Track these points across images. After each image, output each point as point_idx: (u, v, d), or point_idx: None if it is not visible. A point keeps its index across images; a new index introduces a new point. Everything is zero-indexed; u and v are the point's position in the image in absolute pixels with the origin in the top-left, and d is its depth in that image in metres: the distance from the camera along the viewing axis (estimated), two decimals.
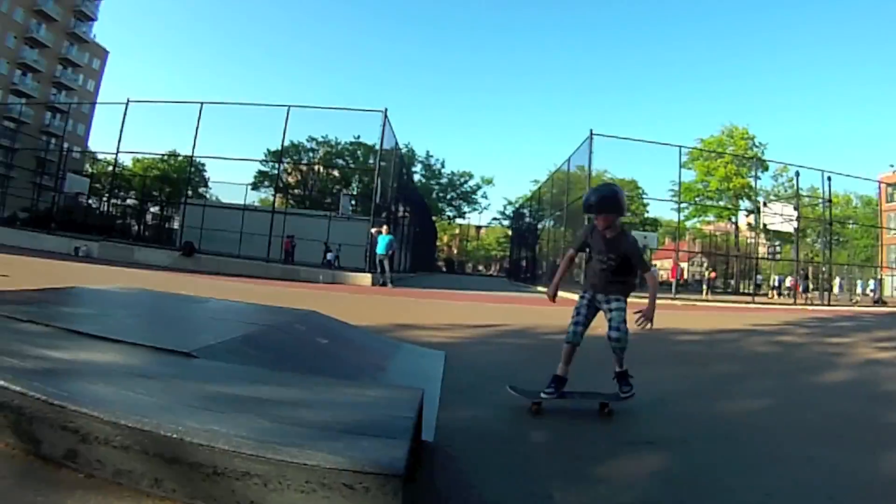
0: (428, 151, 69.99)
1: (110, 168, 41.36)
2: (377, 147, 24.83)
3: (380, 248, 19.43)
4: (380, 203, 22.80)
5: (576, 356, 4.05)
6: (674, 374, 5.81)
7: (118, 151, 25.04)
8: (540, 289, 28.71)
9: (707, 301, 25.00)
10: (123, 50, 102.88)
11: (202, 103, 23.62)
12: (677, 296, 25.17)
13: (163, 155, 41.05)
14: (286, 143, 26.04)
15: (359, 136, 45.79)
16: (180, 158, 40.08)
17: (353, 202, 31.62)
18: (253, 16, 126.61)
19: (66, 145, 34.93)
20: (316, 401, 2.66)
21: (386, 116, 22.37)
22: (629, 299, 4.12)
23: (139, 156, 42.10)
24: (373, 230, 20.61)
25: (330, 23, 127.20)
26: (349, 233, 29.15)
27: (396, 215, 25.45)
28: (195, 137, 23.51)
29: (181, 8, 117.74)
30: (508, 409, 3.95)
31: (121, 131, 24.66)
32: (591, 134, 23.45)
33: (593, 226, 4.11)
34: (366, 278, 20.20)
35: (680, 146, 26.30)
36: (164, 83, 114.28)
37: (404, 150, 50.65)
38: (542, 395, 3.95)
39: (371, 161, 40.09)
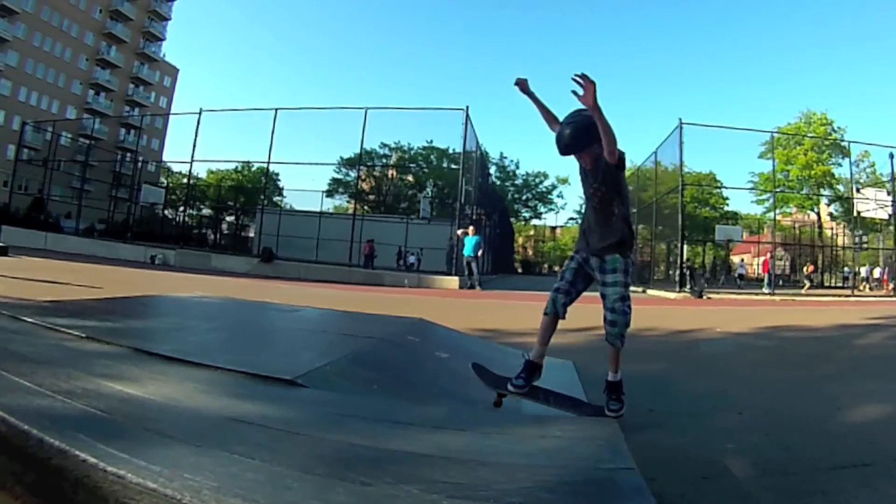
0: (501, 153, 69.06)
1: (185, 180, 42.48)
2: (452, 150, 24.32)
3: (467, 250, 18.80)
4: (463, 204, 22.16)
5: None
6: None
7: (192, 160, 25.25)
8: None
9: (806, 295, 23.45)
10: (194, 65, 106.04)
11: (276, 109, 23.67)
12: (776, 291, 23.62)
13: (237, 165, 41.76)
14: (360, 150, 25.70)
15: (431, 141, 45.44)
16: (254, 169, 40.59)
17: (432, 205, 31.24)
18: (316, 27, 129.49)
19: (140, 158, 35.77)
20: (491, 450, 1.93)
21: (467, 114, 21.76)
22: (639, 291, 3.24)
23: (213, 167, 42.84)
24: (459, 232, 20.05)
25: (392, 33, 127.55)
26: (428, 236, 28.75)
27: (478, 217, 24.74)
28: (271, 143, 23.64)
29: (248, 20, 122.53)
30: (678, 430, 3.20)
31: (195, 140, 25.03)
32: (681, 123, 22.23)
33: (581, 166, 3.27)
34: (453, 281, 19.68)
35: (772, 131, 24.84)
36: (232, 97, 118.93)
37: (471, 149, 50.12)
38: (510, 387, 3.25)
39: (445, 165, 39.68)
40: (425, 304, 12.06)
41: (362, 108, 22.74)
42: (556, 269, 79.96)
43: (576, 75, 2.83)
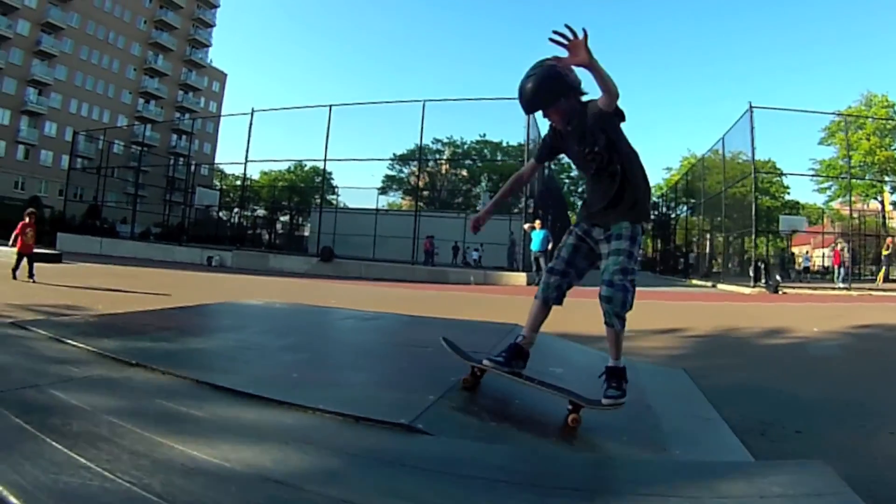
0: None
1: (238, 182, 42.89)
2: (506, 143, 23.75)
3: (535, 245, 18.21)
4: (528, 198, 21.61)
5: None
6: None
7: (246, 161, 25.26)
8: (696, 282, 26.83)
9: (883, 289, 22.11)
10: (242, 69, 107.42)
11: (330, 106, 23.45)
12: (853, 285, 22.37)
13: (289, 165, 42.08)
14: (412, 147, 25.48)
15: (485, 134, 45.10)
16: (307, 168, 40.67)
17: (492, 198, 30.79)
18: (359, 22, 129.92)
19: (192, 162, 36.14)
20: None
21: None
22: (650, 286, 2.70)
23: (266, 168, 43.23)
24: (526, 226, 19.44)
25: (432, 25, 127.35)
26: (487, 231, 27.94)
27: (539, 211, 24.17)
28: (326, 140, 23.55)
29: (291, 19, 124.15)
30: (849, 458, 2.63)
31: (248, 141, 25.28)
32: (751, 107, 21.28)
33: (552, 128, 2.92)
34: (520, 277, 19.26)
35: (842, 113, 23.62)
36: (281, 99, 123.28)
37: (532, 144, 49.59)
38: (486, 361, 2.89)
39: (500, 158, 39.07)
40: (498, 303, 11.72)
41: (420, 101, 22.39)
42: None
43: (555, 32, 2.39)
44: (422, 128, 22.79)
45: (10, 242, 11.21)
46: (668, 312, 10.78)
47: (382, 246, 25.47)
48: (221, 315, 5.38)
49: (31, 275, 10.64)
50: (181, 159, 42.17)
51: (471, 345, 3.26)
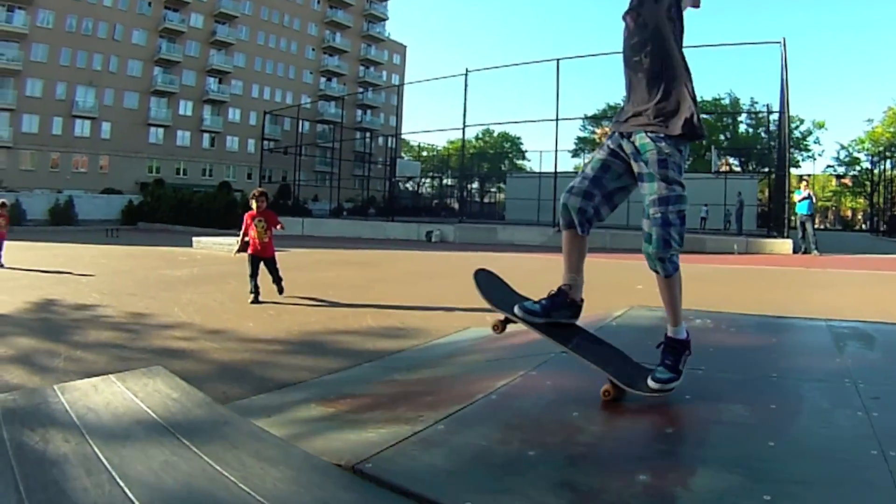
0: (752, 98, 61.21)
1: (423, 153, 42.47)
2: (700, 98, 20.52)
3: (801, 207, 16.41)
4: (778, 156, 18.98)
5: None
6: None
7: (464, 126, 24.24)
8: None
9: None
10: (420, 40, 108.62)
11: (558, 60, 21.88)
12: None
13: (477, 132, 40.85)
14: (603, 107, 23.08)
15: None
16: (496, 135, 39.33)
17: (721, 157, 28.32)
18: None
19: (380, 136, 35.91)
20: None
21: (784, 48, 18.35)
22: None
23: (455, 136, 42.73)
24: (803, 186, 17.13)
25: None
26: (711, 191, 26.27)
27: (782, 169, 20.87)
28: (557, 96, 21.83)
29: None
30: None
31: (465, 103, 24.07)
32: None
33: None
34: (785, 245, 17.21)
35: None
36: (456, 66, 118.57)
37: (726, 100, 44.94)
38: (517, 311, 2.48)
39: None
40: (782, 279, 10.64)
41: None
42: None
43: None
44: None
45: (239, 244, 7.59)
46: None
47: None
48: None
49: (276, 283, 7.43)
50: (368, 134, 42.48)
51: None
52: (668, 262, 2.26)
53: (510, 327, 2.64)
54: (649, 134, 2.23)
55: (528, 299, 2.59)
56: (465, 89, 23.54)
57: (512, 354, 3.72)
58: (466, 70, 23.81)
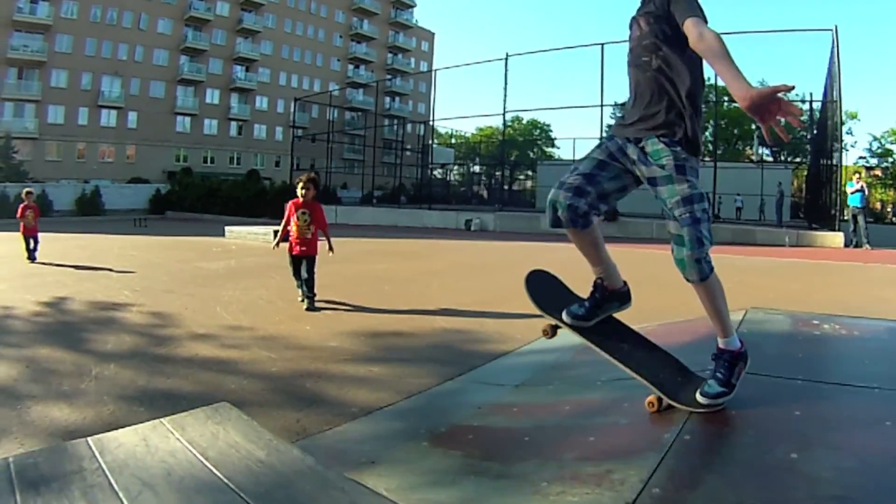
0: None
1: (452, 140, 41.57)
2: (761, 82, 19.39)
3: (854, 200, 15.80)
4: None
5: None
6: None
7: (505, 111, 23.51)
8: None
9: None
10: (448, 26, 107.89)
11: (602, 45, 21.04)
12: None
13: (509, 118, 40.27)
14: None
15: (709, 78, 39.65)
16: (524, 122, 38.35)
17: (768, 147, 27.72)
18: None
19: (409, 124, 34.99)
20: None
21: (836, 35, 17.47)
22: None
23: (483, 123, 41.95)
24: (856, 178, 16.44)
25: None
26: (747, 181, 25.55)
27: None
28: (603, 81, 21.34)
29: None
30: None
31: (504, 88, 23.58)
32: None
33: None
34: (836, 238, 16.39)
35: None
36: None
37: (758, 83, 43.66)
38: (564, 317, 2.43)
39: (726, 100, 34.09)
40: (845, 274, 10.04)
41: None
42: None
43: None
44: None
45: (279, 235, 6.58)
46: None
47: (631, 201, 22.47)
48: None
49: (305, 288, 6.16)
50: (396, 121, 41.62)
51: None
52: (704, 261, 2.13)
53: None
54: (662, 139, 2.15)
55: (583, 299, 2.51)
56: (506, 74, 23.13)
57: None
58: (507, 55, 23.35)
